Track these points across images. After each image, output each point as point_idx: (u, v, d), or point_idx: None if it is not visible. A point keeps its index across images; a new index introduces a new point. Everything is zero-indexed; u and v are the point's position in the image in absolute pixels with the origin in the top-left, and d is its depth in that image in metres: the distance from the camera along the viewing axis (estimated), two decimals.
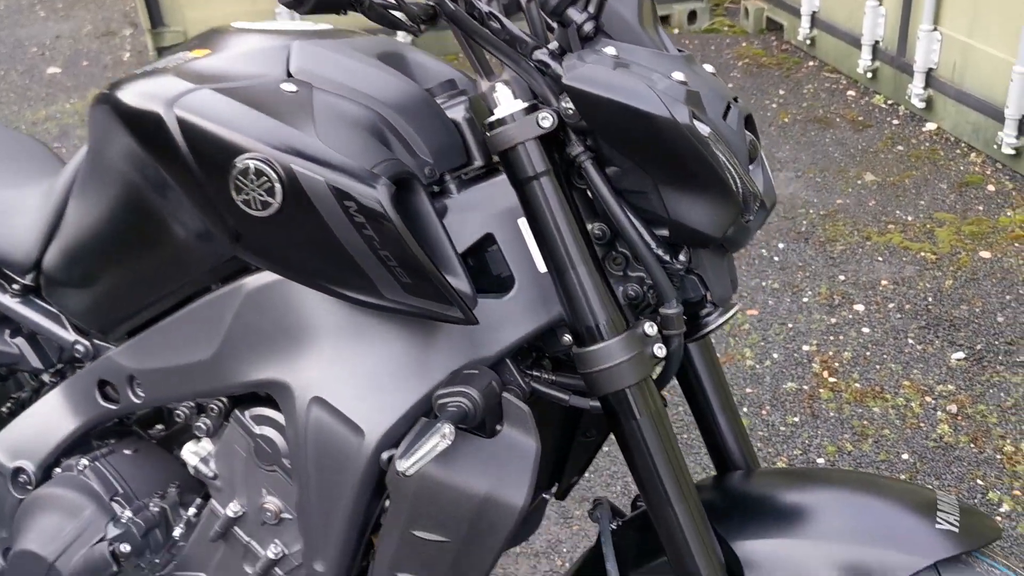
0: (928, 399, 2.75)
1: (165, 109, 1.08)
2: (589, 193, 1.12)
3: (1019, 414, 2.65)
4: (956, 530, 1.14)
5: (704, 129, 1.04)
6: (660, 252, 1.13)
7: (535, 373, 1.20)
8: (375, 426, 1.12)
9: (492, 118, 1.07)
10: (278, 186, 1.03)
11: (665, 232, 1.12)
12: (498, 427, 1.11)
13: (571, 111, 1.05)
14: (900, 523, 1.16)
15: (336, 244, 1.05)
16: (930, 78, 4.38)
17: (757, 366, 2.96)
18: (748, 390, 2.86)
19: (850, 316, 3.16)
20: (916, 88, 4.41)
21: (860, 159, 4.22)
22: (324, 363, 1.15)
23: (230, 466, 1.26)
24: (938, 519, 1.16)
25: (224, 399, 1.26)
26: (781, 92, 5.00)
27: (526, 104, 1.06)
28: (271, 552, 1.25)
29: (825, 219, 3.75)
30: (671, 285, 1.13)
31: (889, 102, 4.73)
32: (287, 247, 1.08)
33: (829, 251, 3.54)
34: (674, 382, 1.32)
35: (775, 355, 3.01)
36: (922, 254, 3.46)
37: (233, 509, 1.27)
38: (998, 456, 2.51)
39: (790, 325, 3.15)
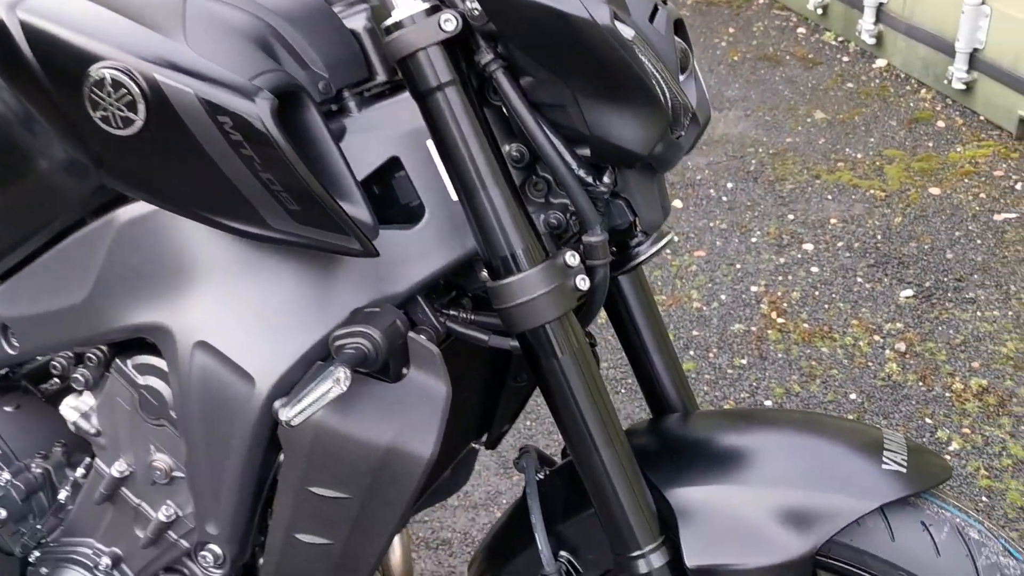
0: (876, 338, 2.69)
1: (7, 13, 0.93)
2: (505, 110, 1.00)
3: (968, 351, 2.60)
4: (904, 471, 1.06)
5: (627, 32, 0.93)
6: (582, 173, 1.01)
7: (452, 312, 1.09)
8: (266, 373, 1.00)
9: (389, 21, 0.95)
10: (140, 100, 0.90)
11: (587, 151, 1.01)
12: (404, 371, 1.00)
13: (477, 12, 0.93)
14: (844, 465, 1.08)
15: (211, 167, 0.92)
16: (880, 13, 4.29)
17: (704, 308, 2.88)
18: (695, 333, 2.78)
19: (799, 255, 3.09)
20: (866, 24, 4.32)
21: (810, 97, 4.13)
22: (209, 304, 1.03)
23: (113, 421, 1.14)
24: (884, 459, 1.07)
25: (103, 347, 1.13)
26: (731, 30, 4.88)
27: (427, 5, 0.94)
28: (163, 514, 1.14)
29: (774, 158, 3.67)
30: (595, 210, 1.02)
31: (839, 39, 4.64)
32: (156, 171, 0.95)
33: (778, 190, 3.46)
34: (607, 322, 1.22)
35: (723, 296, 2.93)
36: (871, 191, 3.40)
37: (119, 468, 1.14)
38: (947, 394, 2.47)
39: (738, 266, 3.07)
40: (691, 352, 2.70)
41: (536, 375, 1.05)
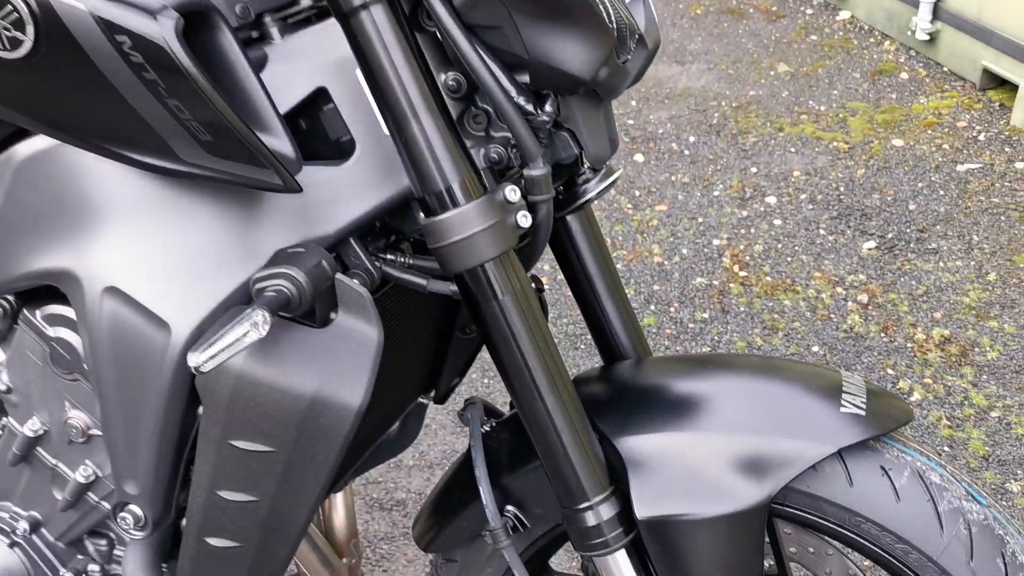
0: (839, 290, 2.66)
1: None
2: (439, 35, 0.93)
3: (930, 302, 2.58)
4: (862, 414, 1.01)
5: None
6: (521, 101, 0.94)
7: (389, 257, 1.01)
8: (183, 320, 0.93)
9: None
10: (28, 18, 0.81)
11: (526, 77, 0.94)
12: (332, 315, 0.93)
13: None
14: (801, 409, 1.02)
15: (110, 93, 0.84)
16: None
17: (666, 263, 2.83)
18: (656, 287, 2.73)
19: (761, 208, 3.05)
20: None
21: (773, 50, 4.07)
22: (119, 247, 0.95)
23: (24, 376, 1.06)
24: (843, 403, 1.02)
25: (9, 298, 1.05)
26: None
27: None
28: (81, 475, 1.06)
29: (737, 111, 3.61)
30: (536, 142, 0.95)
31: None
32: (50, 98, 0.87)
33: (741, 143, 3.41)
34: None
35: (684, 251, 2.88)
36: (835, 144, 3.35)
37: (32, 427, 1.07)
38: (909, 344, 2.44)
39: (700, 220, 3.02)
40: (652, 307, 2.66)
41: (476, 319, 0.99)
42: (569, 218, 1.16)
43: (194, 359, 0.81)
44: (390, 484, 2.11)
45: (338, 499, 1.36)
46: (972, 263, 2.71)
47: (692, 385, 1.07)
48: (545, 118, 0.96)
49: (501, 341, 0.97)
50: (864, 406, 1.02)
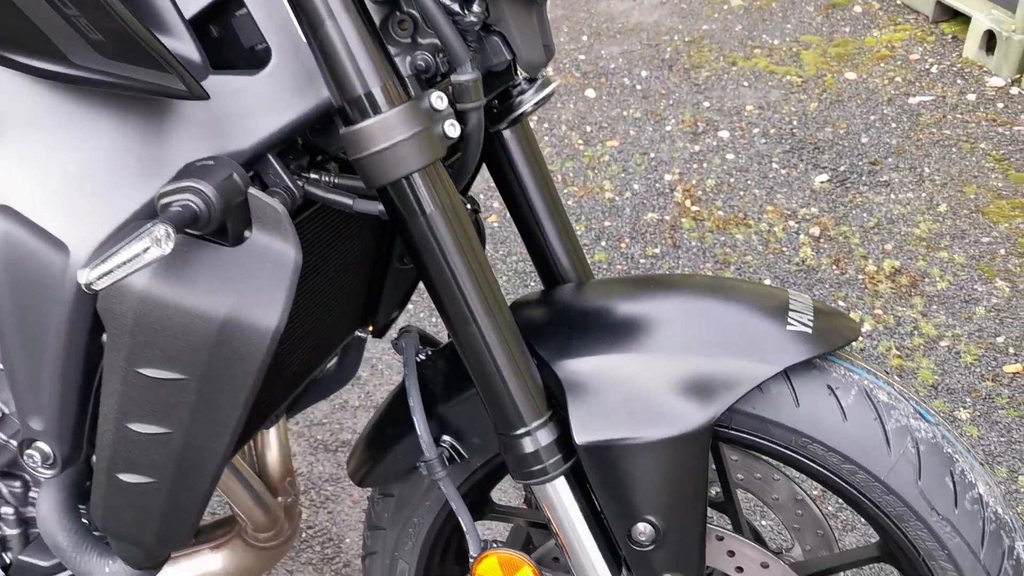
0: (791, 223, 2.63)
1: None
2: None
3: (881, 234, 2.56)
4: (809, 331, 0.97)
5: None
6: (447, 0, 0.88)
7: (313, 176, 0.95)
8: (82, 240, 0.85)
9: None
10: None
11: None
12: (246, 233, 0.86)
13: None
14: (746, 329, 0.98)
15: None
16: None
17: (617, 198, 2.78)
18: (607, 223, 2.68)
19: (714, 143, 3.00)
20: None
21: None
22: (11, 162, 0.87)
23: None
24: (789, 321, 0.98)
25: None
26: None
27: None
28: None
29: (690, 45, 3.54)
30: (464, 45, 0.88)
31: None
32: None
33: (694, 78, 3.35)
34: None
35: (636, 186, 2.83)
36: (788, 78, 3.31)
37: None
38: (860, 276, 2.42)
39: (652, 155, 2.96)
40: (603, 243, 2.61)
41: (403, 238, 0.93)
42: (505, 134, 1.10)
43: (84, 275, 0.74)
44: (335, 425, 2.06)
45: (271, 436, 1.30)
46: (923, 195, 2.69)
47: (635, 307, 1.02)
48: (473, 19, 0.90)
49: (430, 259, 0.92)
50: (811, 324, 0.98)
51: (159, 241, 0.77)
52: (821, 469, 0.99)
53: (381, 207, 0.94)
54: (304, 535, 1.82)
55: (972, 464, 1.00)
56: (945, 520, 0.96)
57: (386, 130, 0.85)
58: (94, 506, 0.97)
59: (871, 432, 0.97)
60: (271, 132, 0.89)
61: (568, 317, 1.05)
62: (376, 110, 0.85)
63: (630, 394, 0.95)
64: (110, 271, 0.74)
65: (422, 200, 0.88)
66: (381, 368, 2.21)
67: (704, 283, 1.08)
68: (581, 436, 0.95)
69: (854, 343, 1.09)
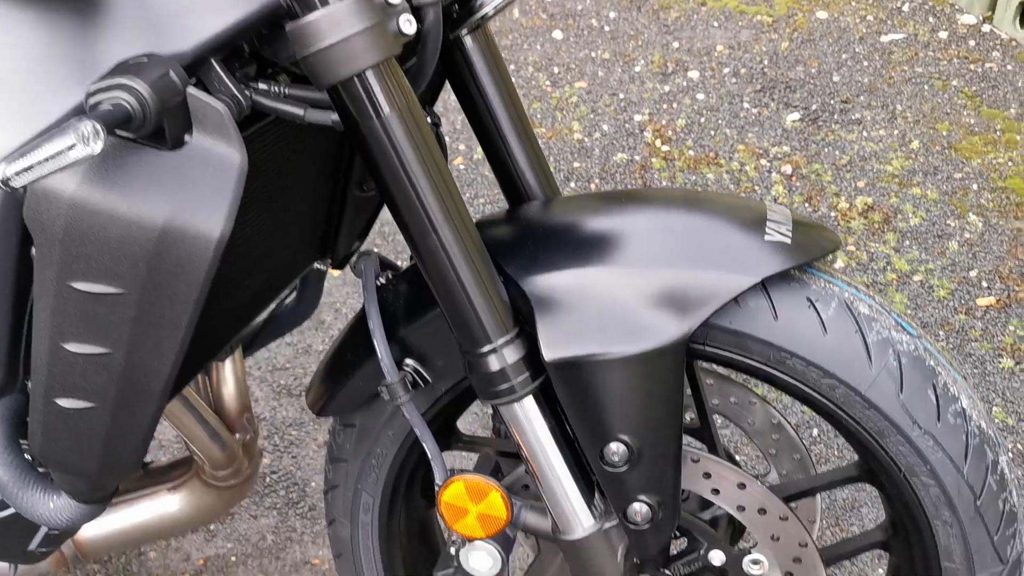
0: (763, 162, 2.59)
1: None
2: None
3: (854, 171, 2.52)
4: (788, 241, 0.93)
5: None
6: None
7: (262, 86, 0.88)
8: (5, 146, 0.78)
9: None
10: None
11: None
12: (185, 137, 0.80)
13: None
14: (723, 240, 0.94)
15: None
16: None
17: (586, 139, 2.72)
18: (576, 164, 2.63)
19: (684, 83, 2.94)
20: None
21: None
22: None
23: None
24: (767, 231, 0.94)
25: None
26: None
27: None
28: None
29: None
30: None
31: None
32: None
33: (663, 19, 3.28)
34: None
35: (605, 127, 2.77)
36: (759, 17, 3.24)
37: None
38: (832, 213, 2.39)
39: (621, 96, 2.90)
40: (572, 184, 2.55)
41: (358, 146, 0.87)
42: (467, 42, 1.03)
43: (1, 170, 0.67)
44: (298, 370, 2.00)
45: (227, 371, 1.25)
46: (895, 132, 2.66)
47: (606, 221, 0.97)
48: None
49: (387, 167, 0.86)
50: (790, 234, 0.94)
51: (86, 138, 0.70)
52: (800, 385, 0.95)
53: (334, 116, 0.88)
54: (268, 480, 1.77)
55: (955, 377, 0.97)
56: (927, 434, 0.93)
57: (336, 23, 0.79)
58: (32, 435, 0.91)
59: (852, 345, 0.93)
60: (214, 33, 0.82)
61: (535, 233, 0.99)
62: (324, 2, 0.79)
63: (601, 309, 0.91)
64: (30, 167, 0.68)
65: (376, 100, 0.83)
66: (345, 312, 2.15)
67: (678, 196, 1.03)
68: (550, 352, 0.90)
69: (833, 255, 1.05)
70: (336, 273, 2.27)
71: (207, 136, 0.79)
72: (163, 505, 1.31)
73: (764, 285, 0.93)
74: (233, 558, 1.62)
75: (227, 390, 1.25)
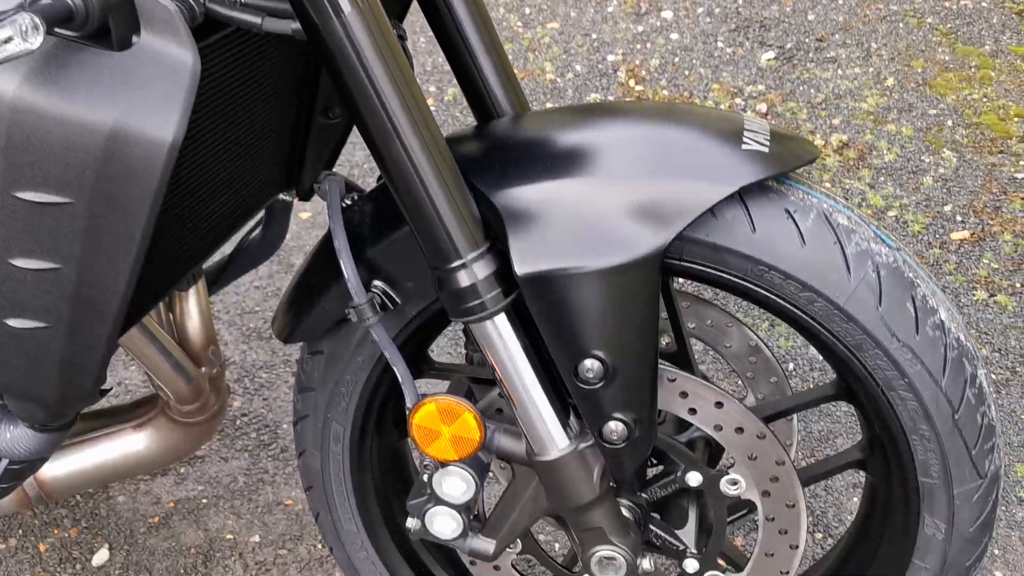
0: (738, 100, 2.56)
1: None
2: None
3: (829, 109, 2.50)
4: (766, 151, 0.90)
5: None
6: None
7: None
8: None
9: None
10: None
11: None
12: (133, 38, 0.75)
13: None
14: (699, 150, 0.91)
15: None
16: None
17: (558, 80, 2.68)
18: (549, 105, 2.58)
19: (658, 23, 2.89)
20: None
21: None
22: None
23: None
24: (745, 140, 0.91)
25: None
26: None
27: None
28: None
29: None
30: None
31: None
32: None
33: None
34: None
35: (578, 67, 2.72)
36: None
37: None
38: None
39: (594, 36, 2.85)
40: None
41: (319, 51, 0.83)
42: None
43: None
44: (267, 313, 1.96)
45: (190, 302, 1.21)
46: (870, 70, 2.63)
47: (578, 135, 0.94)
48: None
49: (350, 72, 0.82)
50: (768, 144, 0.91)
51: (24, 32, 0.66)
52: (778, 299, 0.93)
53: (295, 25, 0.84)
54: (239, 422, 1.74)
55: (934, 290, 0.95)
56: (906, 347, 0.91)
57: None
58: None
59: (830, 257, 0.91)
60: None
61: (506, 147, 0.96)
62: None
63: (574, 222, 0.88)
64: None
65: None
66: None
67: (652, 108, 1.00)
68: (522, 267, 0.87)
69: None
70: (305, 216, 2.23)
71: (156, 37, 0.75)
72: (129, 443, 1.27)
73: (741, 196, 0.90)
74: (204, 500, 1.59)
75: (191, 323, 1.21)
